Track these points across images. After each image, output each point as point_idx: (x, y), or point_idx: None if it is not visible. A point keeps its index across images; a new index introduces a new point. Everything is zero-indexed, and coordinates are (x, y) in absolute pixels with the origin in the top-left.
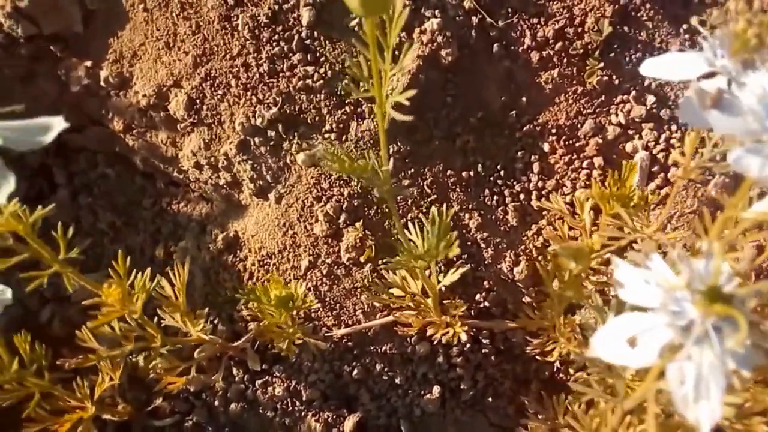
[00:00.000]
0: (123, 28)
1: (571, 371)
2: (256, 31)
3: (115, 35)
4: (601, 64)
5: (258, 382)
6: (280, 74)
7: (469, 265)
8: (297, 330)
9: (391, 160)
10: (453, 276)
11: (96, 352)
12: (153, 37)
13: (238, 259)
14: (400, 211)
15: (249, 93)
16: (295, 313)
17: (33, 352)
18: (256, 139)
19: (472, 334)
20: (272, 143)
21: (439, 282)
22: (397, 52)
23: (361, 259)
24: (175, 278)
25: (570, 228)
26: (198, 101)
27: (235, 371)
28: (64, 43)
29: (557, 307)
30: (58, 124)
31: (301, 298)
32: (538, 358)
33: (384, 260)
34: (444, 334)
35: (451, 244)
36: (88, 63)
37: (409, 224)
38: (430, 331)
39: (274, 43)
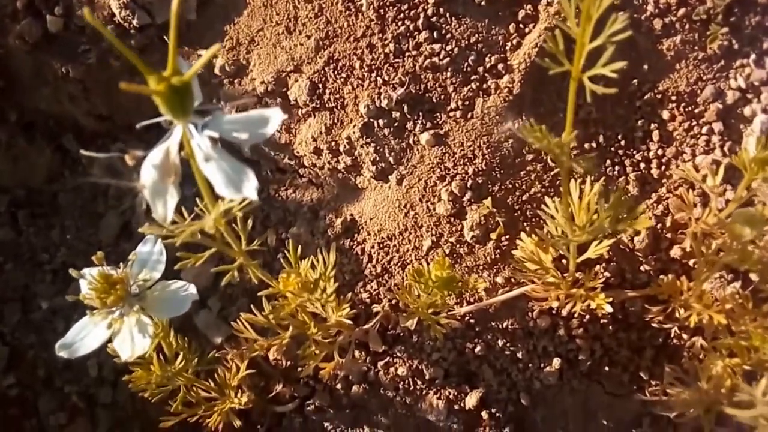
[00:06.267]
0: (240, 14)
1: (685, 337)
2: (382, 10)
3: (231, 22)
4: (724, 29)
5: (380, 363)
6: (406, 53)
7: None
8: (444, 308)
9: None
10: (602, 247)
11: (257, 342)
12: (272, 22)
13: (355, 242)
14: (523, 186)
15: (374, 74)
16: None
17: (178, 346)
18: (380, 121)
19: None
20: (396, 124)
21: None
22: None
23: (492, 236)
24: (317, 264)
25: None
26: (320, 85)
27: (357, 353)
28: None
29: (705, 274)
30: (276, 115)
31: (473, 282)
32: (654, 325)
33: (513, 238)
34: (585, 308)
35: (638, 216)
36: (201, 52)
37: (547, 199)
38: (568, 307)
39: (400, 22)
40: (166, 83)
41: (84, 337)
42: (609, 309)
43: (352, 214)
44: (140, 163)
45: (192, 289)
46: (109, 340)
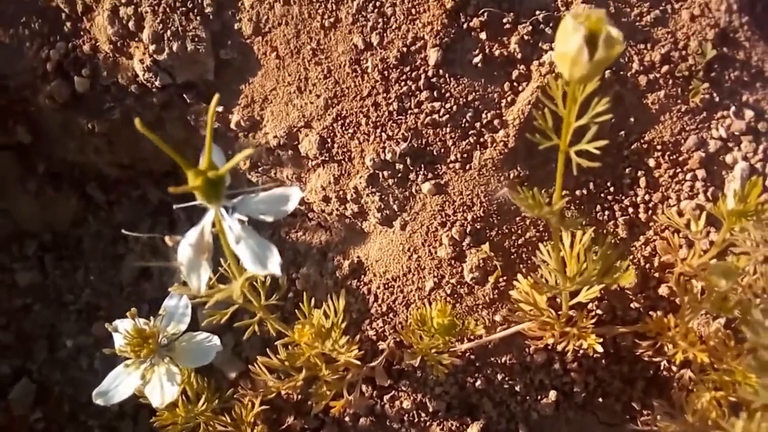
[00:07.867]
0: (254, 74)
1: (674, 369)
2: (385, 72)
3: (246, 82)
4: (705, 84)
5: (386, 397)
6: (408, 111)
7: None
8: (446, 348)
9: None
10: (593, 291)
11: (273, 384)
12: (285, 82)
13: (362, 283)
14: (518, 231)
15: (379, 130)
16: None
17: (199, 387)
18: (385, 172)
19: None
20: (399, 175)
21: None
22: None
23: (490, 278)
24: (328, 308)
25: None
26: (329, 140)
27: (364, 388)
28: (195, 91)
29: (689, 316)
30: (296, 194)
31: (471, 326)
32: (645, 358)
33: (510, 279)
34: (578, 346)
35: (625, 270)
36: (219, 108)
37: (540, 246)
38: (562, 344)
39: (402, 83)
40: (203, 177)
41: (118, 385)
42: (600, 349)
43: (358, 257)
44: (177, 244)
45: (216, 340)
46: None
